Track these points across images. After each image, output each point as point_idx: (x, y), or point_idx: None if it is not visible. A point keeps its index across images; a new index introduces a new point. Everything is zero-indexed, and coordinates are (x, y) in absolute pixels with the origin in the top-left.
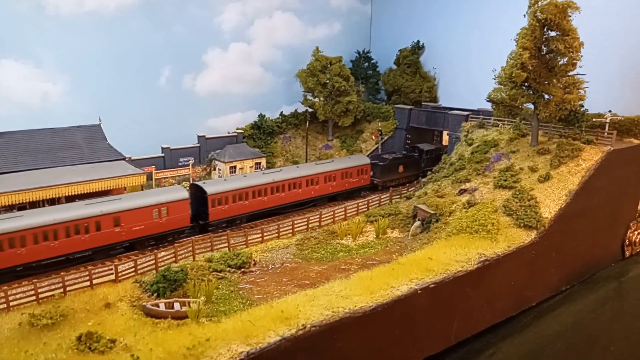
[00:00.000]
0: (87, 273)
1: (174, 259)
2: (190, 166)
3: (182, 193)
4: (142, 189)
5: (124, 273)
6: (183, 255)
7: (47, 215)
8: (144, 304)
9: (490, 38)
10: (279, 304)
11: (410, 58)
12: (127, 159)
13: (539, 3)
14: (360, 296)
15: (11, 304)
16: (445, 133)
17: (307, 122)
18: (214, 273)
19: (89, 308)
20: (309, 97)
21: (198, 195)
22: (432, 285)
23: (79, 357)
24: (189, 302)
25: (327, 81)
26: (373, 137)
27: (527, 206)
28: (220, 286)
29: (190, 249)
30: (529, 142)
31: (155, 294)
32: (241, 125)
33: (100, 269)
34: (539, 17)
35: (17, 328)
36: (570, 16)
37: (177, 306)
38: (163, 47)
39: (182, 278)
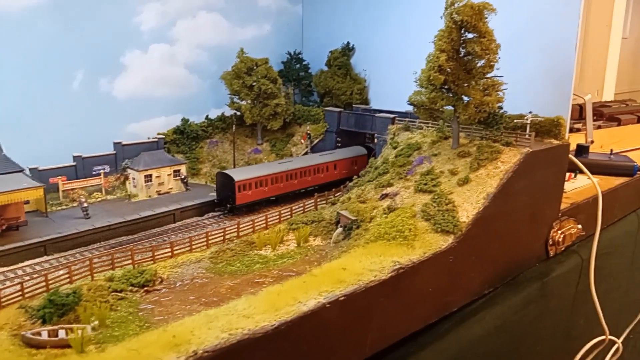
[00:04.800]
0: None
1: (68, 279)
2: (102, 175)
3: (364, 150)
4: (45, 201)
5: (8, 297)
6: (81, 274)
7: (295, 163)
8: (23, 332)
9: (416, 40)
10: (173, 327)
11: (341, 59)
12: (26, 170)
13: (455, 5)
14: (263, 314)
15: None
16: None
17: (234, 125)
18: (113, 293)
19: None
20: (236, 100)
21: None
22: (342, 298)
23: None
24: (76, 329)
25: (254, 83)
26: (302, 141)
27: (444, 210)
28: (118, 308)
29: (88, 267)
30: (451, 145)
31: (41, 321)
32: (165, 130)
33: None
34: (456, 19)
35: None
36: (486, 18)
37: (61, 334)
38: (75, 49)
39: (73, 301)
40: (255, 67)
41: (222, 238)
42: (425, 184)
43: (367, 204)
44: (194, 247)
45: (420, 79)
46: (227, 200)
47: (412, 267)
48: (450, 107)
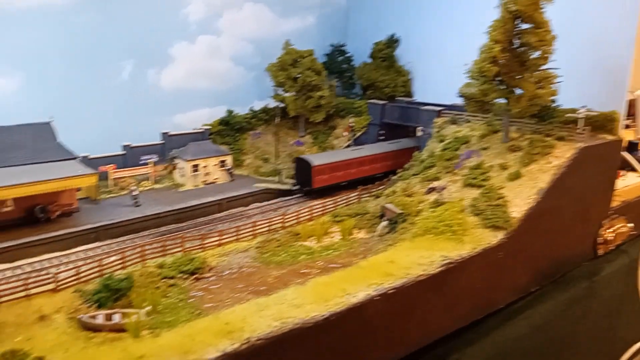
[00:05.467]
0: (21, 283)
1: (121, 265)
2: (152, 164)
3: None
4: (97, 189)
5: (64, 282)
6: (133, 261)
7: (366, 150)
8: (79, 316)
9: (465, 31)
10: (225, 315)
11: (385, 51)
12: (80, 158)
13: None
14: (313, 304)
15: None
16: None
17: (277, 118)
18: (164, 280)
19: (21, 321)
20: (280, 92)
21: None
22: (391, 291)
23: None
24: (131, 314)
25: (298, 75)
26: (345, 134)
27: (495, 205)
28: (169, 294)
29: (140, 253)
30: (501, 138)
31: (96, 305)
32: (208, 121)
33: (37, 278)
34: (511, 9)
35: None
36: (542, 8)
37: (116, 318)
38: (126, 41)
39: (126, 286)
40: (300, 59)
41: (267, 229)
42: (474, 178)
43: (413, 197)
44: (240, 236)
45: (472, 70)
46: (304, 183)
47: (461, 263)
48: (501, 100)
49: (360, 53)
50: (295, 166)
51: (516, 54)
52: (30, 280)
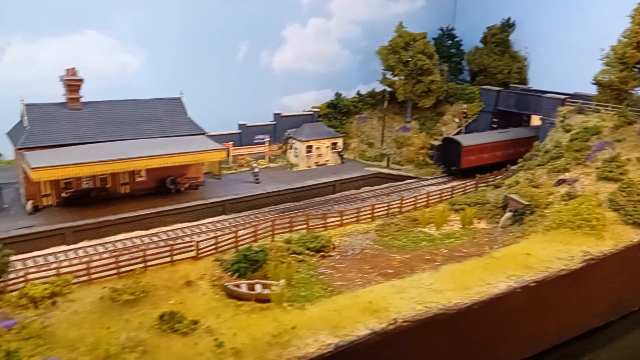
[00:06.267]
0: (167, 248)
1: (253, 238)
2: (267, 144)
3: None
4: (220, 165)
5: (204, 250)
6: (262, 235)
7: (512, 134)
8: (225, 284)
9: (593, 15)
10: (365, 294)
11: (500, 36)
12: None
13: None
14: (453, 291)
15: (92, 276)
16: (536, 118)
17: (386, 102)
18: (292, 255)
19: (170, 285)
20: (389, 75)
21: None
22: (533, 284)
23: (161, 338)
24: (271, 285)
25: (409, 59)
26: (456, 120)
27: (637, 201)
28: (299, 269)
29: (270, 228)
30: (638, 130)
31: (235, 274)
32: (314, 104)
33: (180, 245)
34: None
35: (98, 302)
36: None
37: (258, 288)
38: (242, 22)
39: (262, 259)
40: (412, 42)
41: (385, 212)
42: (610, 172)
43: (541, 189)
44: (360, 218)
45: (609, 56)
46: (451, 163)
47: (601, 259)
48: None
49: (470, 37)
50: (442, 146)
51: None
52: (175, 247)
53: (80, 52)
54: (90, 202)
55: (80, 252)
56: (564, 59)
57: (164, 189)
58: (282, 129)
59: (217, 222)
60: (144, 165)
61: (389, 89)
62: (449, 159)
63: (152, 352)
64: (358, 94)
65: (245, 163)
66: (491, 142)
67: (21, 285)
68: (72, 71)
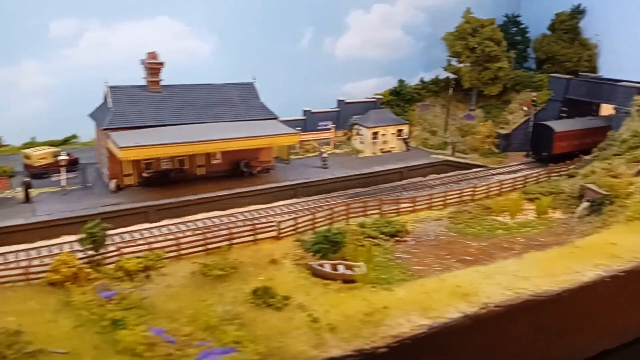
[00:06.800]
0: (250, 227)
1: (330, 220)
2: (333, 130)
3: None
4: (288, 150)
5: (284, 231)
6: (337, 218)
7: (603, 121)
8: (310, 263)
9: None
10: (451, 278)
11: (569, 23)
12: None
13: None
14: (541, 279)
15: (182, 252)
16: (607, 107)
17: (451, 89)
18: (367, 239)
19: (256, 262)
20: (454, 62)
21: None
22: (621, 274)
23: (256, 312)
24: (352, 266)
25: (476, 45)
26: (524, 108)
27: None
28: (375, 253)
29: (344, 212)
30: None
31: (317, 254)
32: (375, 91)
33: (262, 225)
34: None
35: (190, 276)
36: None
37: (341, 269)
38: (307, 8)
39: (341, 241)
40: (480, 29)
41: (458, 200)
42: None
43: (620, 179)
44: (433, 205)
45: None
46: (542, 149)
47: None
48: None
49: (536, 24)
50: (532, 132)
51: None
52: (258, 227)
53: (152, 37)
54: (168, 182)
55: (164, 230)
56: (637, 46)
57: (238, 171)
58: (345, 115)
59: (290, 204)
60: (223, 147)
61: (452, 76)
62: (539, 144)
63: (249, 324)
64: (421, 81)
65: (311, 148)
66: (581, 129)
67: (115, 258)
68: (153, 55)
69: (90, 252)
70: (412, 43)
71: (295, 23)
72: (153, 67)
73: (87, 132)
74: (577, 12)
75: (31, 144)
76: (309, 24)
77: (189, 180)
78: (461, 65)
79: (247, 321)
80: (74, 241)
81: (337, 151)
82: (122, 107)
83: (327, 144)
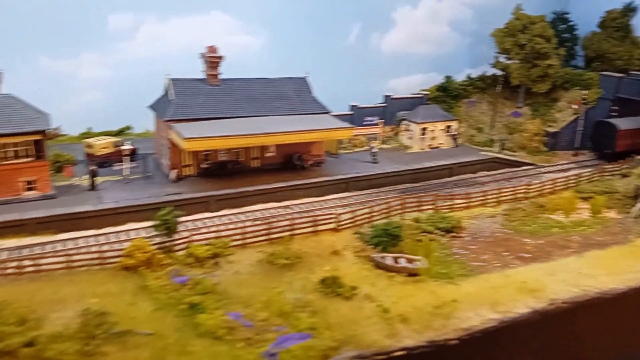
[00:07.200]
0: (311, 219)
1: (386, 214)
2: (381, 125)
3: None
4: (338, 144)
5: (343, 223)
6: (393, 213)
7: None
8: (372, 255)
9: None
10: (515, 274)
11: (620, 21)
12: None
13: None
14: (607, 276)
15: (246, 241)
16: None
17: (499, 86)
18: (423, 234)
19: (319, 253)
20: (502, 59)
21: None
22: None
23: (326, 301)
24: (414, 260)
25: (526, 42)
26: (574, 106)
27: None
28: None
29: (400, 206)
30: None
31: (376, 247)
32: (420, 87)
33: (322, 217)
34: None
35: (256, 264)
36: None
37: (402, 262)
38: (355, 4)
39: (400, 234)
40: (530, 25)
41: (511, 197)
42: None
43: None
44: (487, 202)
45: None
46: (604, 146)
47: None
48: None
49: (585, 22)
50: (593, 129)
51: None
52: (318, 219)
53: (205, 32)
54: (225, 174)
55: (224, 220)
56: None
57: (290, 164)
58: (391, 111)
59: (343, 198)
60: (282, 140)
61: (500, 73)
62: (602, 142)
63: (321, 312)
64: (468, 77)
65: (359, 143)
66: None
67: (183, 245)
68: (212, 48)
69: (162, 238)
70: (459, 39)
71: (343, 18)
72: (213, 60)
73: (141, 123)
74: (629, 10)
75: (88, 134)
76: (357, 19)
77: (244, 172)
78: (510, 62)
79: (318, 309)
80: (140, 228)
81: (385, 146)
82: (183, 99)
83: (375, 139)
